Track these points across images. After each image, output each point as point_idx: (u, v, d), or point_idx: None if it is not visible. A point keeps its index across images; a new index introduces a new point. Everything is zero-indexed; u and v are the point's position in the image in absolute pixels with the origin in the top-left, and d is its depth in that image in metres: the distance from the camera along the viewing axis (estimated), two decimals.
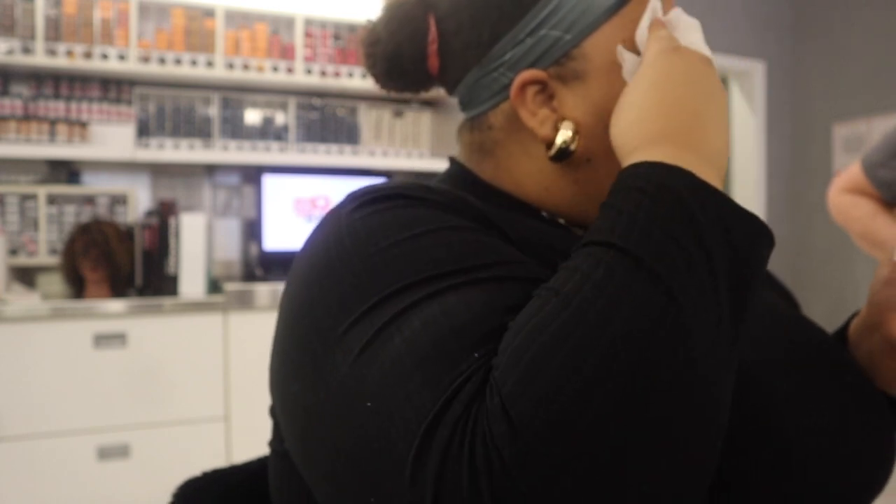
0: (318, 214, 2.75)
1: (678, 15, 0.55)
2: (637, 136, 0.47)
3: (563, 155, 0.56)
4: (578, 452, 0.35)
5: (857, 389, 0.58)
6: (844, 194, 1.66)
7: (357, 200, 0.50)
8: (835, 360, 0.59)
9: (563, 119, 0.56)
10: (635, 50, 0.55)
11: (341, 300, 0.44)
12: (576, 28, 0.55)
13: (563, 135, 0.56)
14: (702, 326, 0.38)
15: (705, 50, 0.53)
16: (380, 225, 0.47)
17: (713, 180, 0.44)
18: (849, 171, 1.66)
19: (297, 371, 0.46)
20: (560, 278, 0.41)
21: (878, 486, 0.57)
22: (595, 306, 0.38)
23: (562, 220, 0.60)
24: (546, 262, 0.48)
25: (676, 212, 0.41)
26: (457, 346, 0.40)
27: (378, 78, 0.66)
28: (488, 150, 0.61)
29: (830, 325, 0.68)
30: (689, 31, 0.54)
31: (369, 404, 0.40)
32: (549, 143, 0.56)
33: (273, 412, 0.59)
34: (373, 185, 0.51)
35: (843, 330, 0.66)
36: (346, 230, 0.47)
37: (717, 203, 0.42)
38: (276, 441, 0.58)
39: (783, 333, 0.58)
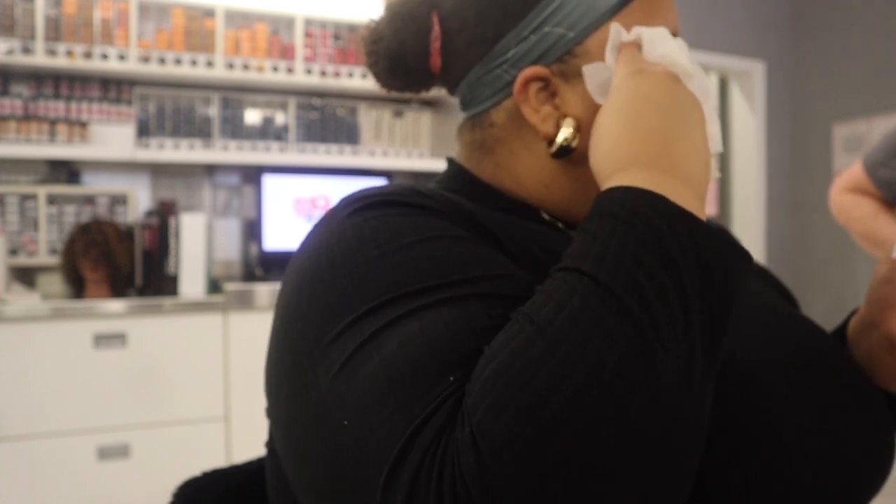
0: (319, 214, 2.75)
1: (640, 31, 0.54)
2: (611, 164, 0.47)
3: (564, 152, 0.56)
4: (544, 489, 0.35)
5: (855, 388, 0.58)
6: (846, 194, 1.67)
7: (350, 206, 0.50)
8: (833, 359, 0.59)
9: (564, 116, 0.56)
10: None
11: (328, 311, 0.45)
12: (579, 26, 0.55)
13: (565, 132, 0.56)
14: (673, 360, 0.38)
15: (680, 56, 0.52)
16: (369, 234, 0.47)
17: (689, 200, 0.43)
18: (850, 171, 1.66)
19: (285, 378, 0.47)
20: (536, 303, 0.40)
21: (876, 484, 0.57)
22: (567, 339, 0.37)
23: (560, 224, 0.60)
24: (543, 266, 0.48)
25: (648, 238, 0.40)
26: (433, 369, 0.40)
27: (379, 76, 0.66)
28: (489, 148, 0.61)
29: (830, 324, 0.68)
30: (656, 44, 0.53)
31: (346, 422, 0.41)
32: (551, 140, 0.57)
33: (268, 413, 0.59)
34: (366, 191, 0.51)
35: (842, 328, 0.66)
36: (336, 238, 0.48)
37: (689, 228, 0.41)
38: (272, 441, 0.58)
39: (782, 332, 0.58)
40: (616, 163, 0.47)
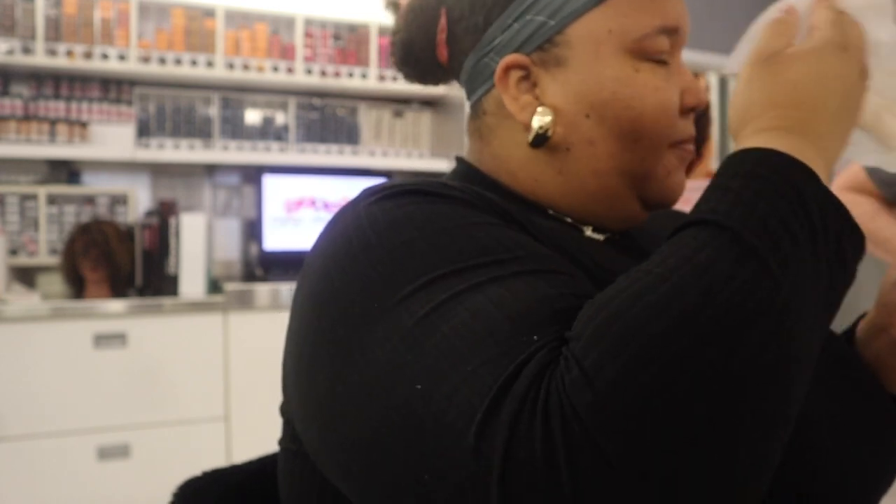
0: (319, 215, 2.75)
1: None
2: (752, 115, 0.47)
3: (541, 141, 0.56)
4: (668, 423, 0.35)
5: (864, 390, 0.58)
6: (845, 193, 1.66)
7: (375, 195, 0.49)
8: (843, 361, 0.59)
9: (542, 105, 0.56)
10: (636, 50, 0.55)
11: (368, 290, 0.44)
12: (560, 14, 0.55)
13: (540, 120, 0.56)
14: (800, 316, 0.38)
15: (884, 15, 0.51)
16: (403, 217, 0.46)
17: (821, 170, 0.44)
18: (850, 170, 1.66)
19: (319, 363, 0.45)
20: (655, 260, 0.40)
21: (882, 487, 0.57)
22: (695, 285, 0.37)
23: (568, 219, 0.60)
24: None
25: (785, 196, 0.40)
26: (512, 331, 0.39)
27: (397, 65, 0.69)
28: (485, 137, 0.62)
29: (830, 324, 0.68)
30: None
31: (419, 386, 0.39)
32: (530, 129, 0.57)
33: (284, 411, 0.59)
34: (389, 182, 0.51)
35: (851, 331, 0.65)
36: (366, 221, 0.47)
37: (824, 200, 0.41)
38: (287, 440, 0.58)
39: None
40: (757, 118, 0.47)
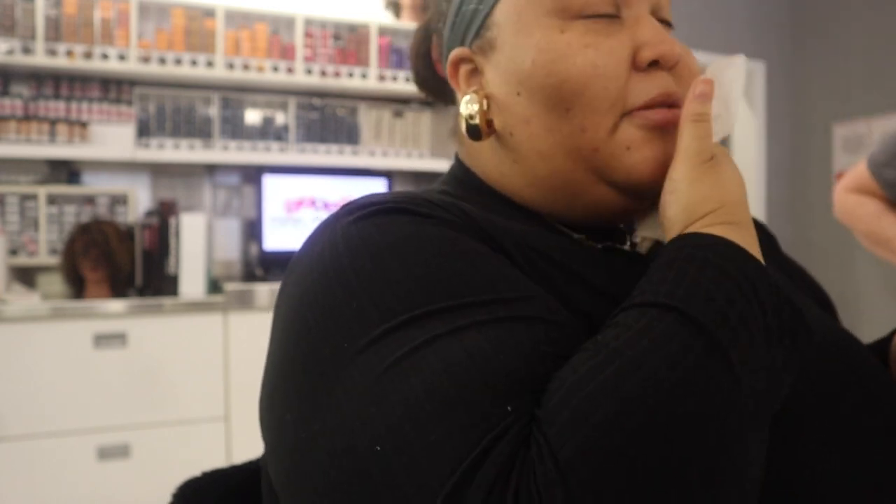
0: (320, 215, 2.75)
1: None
2: (689, 216, 0.48)
3: (474, 131, 0.54)
4: None
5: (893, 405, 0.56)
6: (850, 193, 1.66)
7: (354, 213, 0.46)
8: (871, 375, 0.56)
9: (484, 96, 0.54)
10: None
11: (340, 327, 0.40)
12: None
13: (466, 108, 0.54)
14: (750, 386, 0.39)
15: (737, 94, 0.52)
16: (381, 243, 0.43)
17: (752, 245, 0.46)
18: (854, 171, 1.65)
19: (287, 401, 0.42)
20: (625, 339, 0.39)
21: None
22: (669, 379, 0.36)
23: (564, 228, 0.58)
24: (547, 275, 0.48)
25: (726, 275, 0.41)
26: (488, 396, 0.37)
27: (420, 89, 0.70)
28: (460, 136, 0.61)
29: None
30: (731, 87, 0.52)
31: (378, 448, 0.36)
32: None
33: (264, 436, 0.57)
34: (371, 197, 0.48)
35: (884, 342, 0.63)
36: (342, 246, 0.43)
37: (763, 280, 0.43)
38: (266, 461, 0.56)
39: (828, 360, 0.55)
40: (692, 216, 0.47)
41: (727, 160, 0.49)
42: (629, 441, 0.35)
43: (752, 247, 0.46)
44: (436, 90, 0.67)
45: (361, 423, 0.37)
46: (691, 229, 0.46)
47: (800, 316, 0.43)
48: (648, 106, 0.51)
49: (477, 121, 0.53)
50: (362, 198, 0.48)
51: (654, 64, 0.51)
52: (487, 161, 0.58)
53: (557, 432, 0.35)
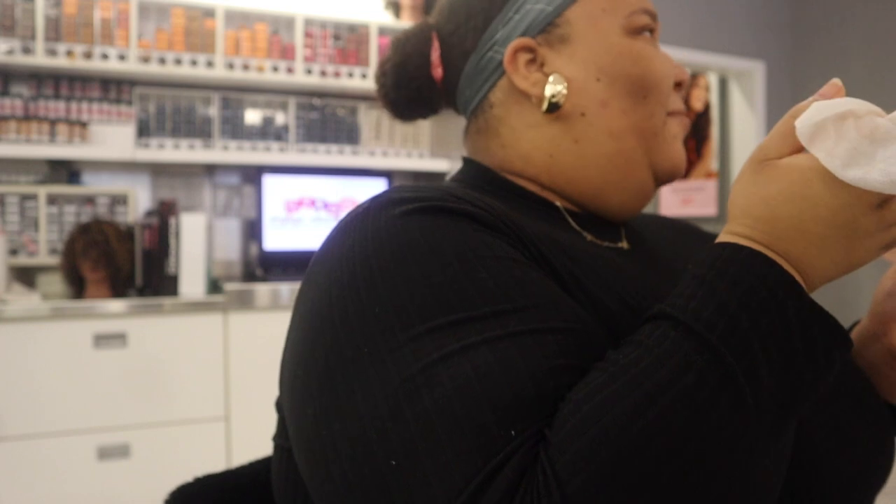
0: (320, 215, 2.75)
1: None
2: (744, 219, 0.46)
3: (555, 108, 0.59)
4: None
5: (859, 397, 0.58)
6: None
7: (385, 208, 0.47)
8: (845, 372, 0.59)
9: (554, 75, 0.60)
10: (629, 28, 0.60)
11: (362, 330, 0.42)
12: (556, 1, 0.60)
13: (552, 88, 0.59)
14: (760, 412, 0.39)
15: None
16: (408, 245, 0.45)
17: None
18: None
19: (310, 393, 0.44)
20: (644, 364, 0.39)
21: (875, 487, 0.57)
22: (682, 415, 0.36)
23: (576, 213, 0.61)
24: (570, 277, 0.50)
25: (757, 297, 0.40)
26: (493, 419, 0.38)
27: (388, 95, 0.71)
28: (493, 130, 0.63)
29: None
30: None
31: (393, 462, 0.38)
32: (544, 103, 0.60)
33: (279, 406, 0.59)
34: (401, 192, 0.49)
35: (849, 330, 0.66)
36: (371, 245, 0.45)
37: (803, 305, 0.41)
38: (281, 437, 0.58)
39: None
40: (735, 219, 0.46)
41: (789, 176, 0.44)
42: (643, 479, 0.35)
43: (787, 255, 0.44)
44: (419, 89, 0.68)
45: (378, 437, 0.39)
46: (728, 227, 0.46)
47: (834, 330, 0.41)
48: (678, 113, 0.64)
49: (559, 99, 0.59)
50: (392, 191, 0.50)
51: (679, 84, 0.64)
52: (534, 146, 0.61)
53: (567, 463, 0.36)
